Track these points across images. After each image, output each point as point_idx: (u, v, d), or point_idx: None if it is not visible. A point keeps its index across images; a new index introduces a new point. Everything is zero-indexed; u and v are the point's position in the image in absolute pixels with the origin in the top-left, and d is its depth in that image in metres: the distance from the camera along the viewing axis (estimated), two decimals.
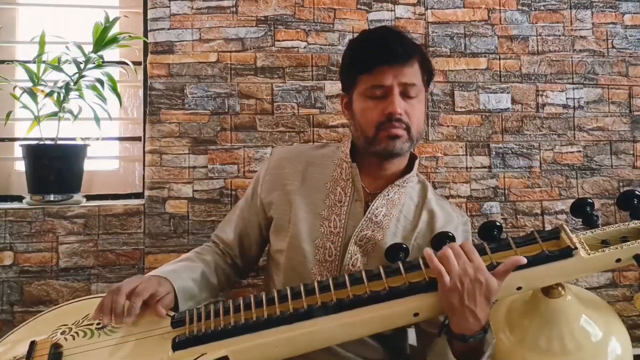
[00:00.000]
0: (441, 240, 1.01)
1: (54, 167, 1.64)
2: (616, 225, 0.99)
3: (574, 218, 1.70)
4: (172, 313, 1.05)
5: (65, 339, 1.02)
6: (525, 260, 0.94)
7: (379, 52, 1.19)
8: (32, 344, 0.99)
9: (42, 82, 1.65)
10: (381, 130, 1.19)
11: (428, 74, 1.27)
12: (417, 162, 1.32)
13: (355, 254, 1.21)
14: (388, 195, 1.25)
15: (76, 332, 1.03)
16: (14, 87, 1.66)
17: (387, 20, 1.80)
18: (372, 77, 1.19)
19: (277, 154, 1.37)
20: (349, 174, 1.26)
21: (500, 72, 1.85)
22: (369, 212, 1.22)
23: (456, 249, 0.96)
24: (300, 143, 1.74)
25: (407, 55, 1.19)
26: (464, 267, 0.94)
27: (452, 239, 1.02)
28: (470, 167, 1.82)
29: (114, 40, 1.66)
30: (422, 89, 1.24)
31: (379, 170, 1.26)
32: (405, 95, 1.20)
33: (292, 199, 1.27)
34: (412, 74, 1.20)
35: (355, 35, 1.78)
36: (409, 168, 1.30)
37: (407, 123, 1.19)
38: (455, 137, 1.82)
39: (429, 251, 0.98)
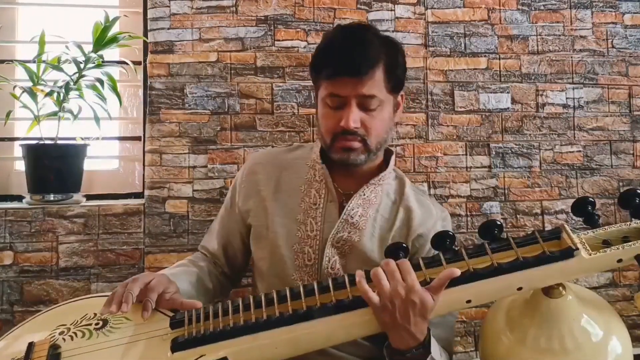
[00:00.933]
0: (441, 238, 1.00)
1: (54, 166, 1.64)
2: (617, 225, 0.98)
3: (574, 218, 1.70)
4: (171, 314, 1.05)
5: (64, 339, 1.01)
6: (459, 273, 0.92)
7: (338, 62, 1.15)
8: (31, 345, 0.99)
9: (42, 82, 1.65)
10: (336, 141, 1.18)
11: (396, 80, 1.21)
12: (393, 157, 1.30)
13: (333, 256, 1.20)
14: (364, 194, 1.23)
15: (75, 333, 1.02)
16: (14, 87, 1.66)
17: (387, 20, 1.80)
18: (331, 85, 1.16)
19: (251, 159, 1.35)
20: (322, 175, 1.25)
21: (500, 71, 1.84)
22: (345, 214, 1.21)
23: (390, 268, 0.94)
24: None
25: (367, 66, 1.14)
26: (395, 287, 0.92)
27: (452, 238, 1.01)
28: (470, 167, 1.82)
29: (114, 39, 1.66)
30: (385, 99, 1.19)
31: (349, 170, 1.24)
32: (363, 106, 1.16)
33: (267, 206, 1.25)
34: (373, 85, 1.15)
35: None
36: (385, 164, 1.28)
37: (362, 135, 1.17)
38: (455, 137, 1.82)
39: (360, 273, 0.96)
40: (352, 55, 1.14)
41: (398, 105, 1.28)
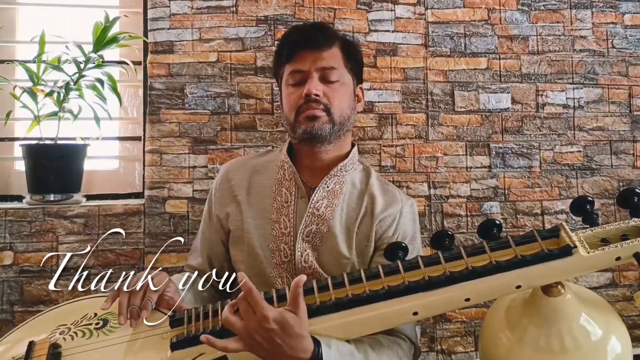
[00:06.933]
0: (441, 238, 1.00)
1: (54, 166, 1.64)
2: (616, 223, 0.98)
3: (574, 218, 1.70)
4: (170, 313, 1.05)
5: (64, 339, 1.01)
6: (304, 278, 0.92)
7: (297, 39, 1.24)
8: (31, 344, 0.99)
9: (42, 82, 1.65)
10: (300, 113, 1.21)
11: (354, 63, 1.28)
12: (355, 149, 1.32)
13: (305, 250, 1.21)
14: (327, 186, 1.25)
15: (75, 332, 1.03)
16: (14, 87, 1.66)
17: (387, 20, 1.80)
18: (292, 64, 1.23)
19: (223, 168, 1.37)
20: (291, 173, 1.27)
21: (500, 72, 1.85)
22: (310, 207, 1.23)
23: (242, 307, 0.93)
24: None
25: (324, 39, 1.22)
26: (248, 323, 0.92)
27: (452, 238, 1.01)
28: (470, 167, 1.82)
29: (114, 40, 1.67)
30: (345, 75, 1.25)
31: (315, 160, 1.26)
32: (325, 79, 1.22)
33: (242, 209, 1.27)
34: (331, 57, 1.22)
35: (356, 35, 1.79)
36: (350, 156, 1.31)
37: (325, 104, 1.20)
38: (455, 137, 1.82)
39: (228, 311, 0.95)
40: (309, 31, 1.25)
41: (359, 99, 1.33)
